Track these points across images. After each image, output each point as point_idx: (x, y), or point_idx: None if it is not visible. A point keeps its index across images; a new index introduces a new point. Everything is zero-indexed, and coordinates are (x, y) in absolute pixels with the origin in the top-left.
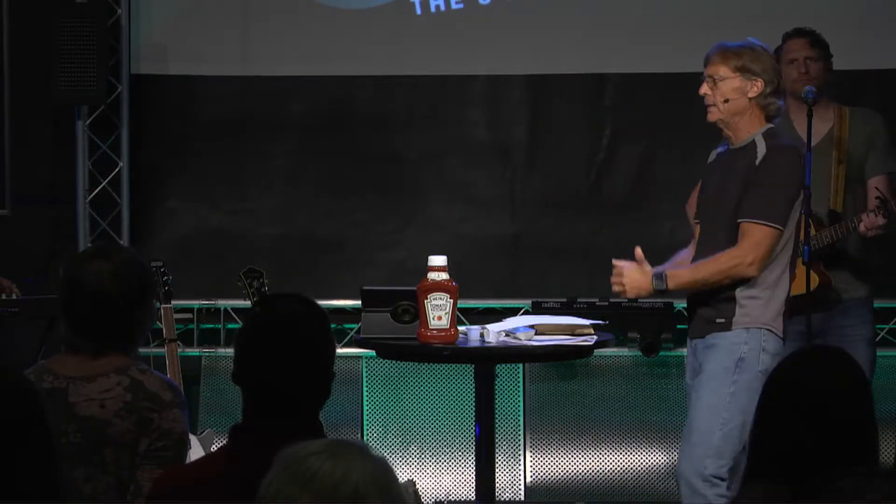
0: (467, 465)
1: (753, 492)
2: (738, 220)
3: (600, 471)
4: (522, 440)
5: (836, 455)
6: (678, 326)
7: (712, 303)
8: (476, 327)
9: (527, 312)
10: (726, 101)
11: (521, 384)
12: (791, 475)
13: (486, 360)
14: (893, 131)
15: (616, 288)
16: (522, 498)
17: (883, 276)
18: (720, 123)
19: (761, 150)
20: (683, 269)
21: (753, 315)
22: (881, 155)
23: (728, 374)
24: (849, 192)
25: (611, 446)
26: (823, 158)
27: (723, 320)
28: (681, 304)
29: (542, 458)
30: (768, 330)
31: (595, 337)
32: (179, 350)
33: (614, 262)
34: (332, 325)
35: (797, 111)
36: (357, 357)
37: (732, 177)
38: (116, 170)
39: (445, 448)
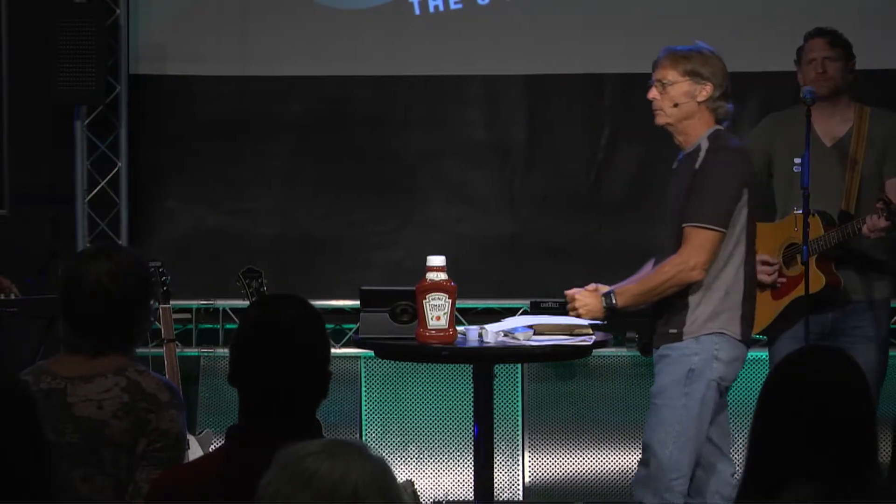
0: (466, 465)
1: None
2: (682, 225)
3: (599, 471)
4: (521, 440)
5: (833, 457)
6: None
7: (666, 312)
8: (474, 327)
9: (525, 312)
10: (675, 105)
11: (519, 384)
12: (790, 476)
13: (485, 360)
14: None
15: (572, 314)
16: (521, 498)
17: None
18: (669, 128)
19: (702, 154)
20: (631, 284)
21: (704, 322)
22: None
23: (679, 386)
24: (865, 193)
25: (609, 446)
26: (839, 159)
27: (675, 330)
28: None
29: (540, 459)
30: (721, 334)
31: (593, 337)
32: (178, 350)
33: (566, 292)
34: (331, 326)
35: (816, 111)
36: (355, 357)
37: (682, 183)
38: (115, 170)
39: (444, 448)
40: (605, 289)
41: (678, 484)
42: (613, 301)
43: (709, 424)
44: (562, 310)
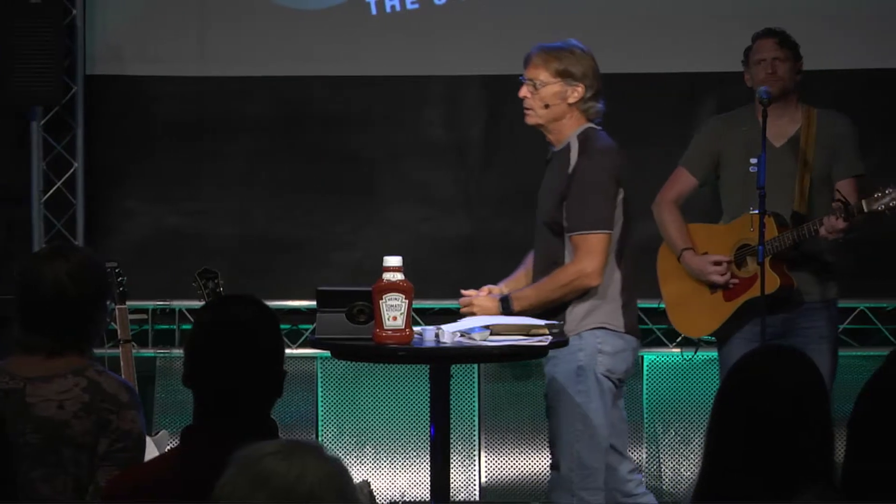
0: (422, 466)
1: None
2: (568, 235)
3: None
4: (477, 440)
5: (790, 457)
6: None
7: (547, 314)
8: (431, 328)
9: None
10: (546, 106)
11: (476, 384)
12: (749, 479)
13: (441, 361)
14: (860, 133)
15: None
16: (477, 498)
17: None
18: (540, 128)
19: (573, 157)
20: (528, 289)
21: (582, 318)
22: (848, 157)
23: (571, 384)
24: (815, 194)
25: None
26: (789, 159)
27: (556, 331)
28: (640, 304)
29: (496, 459)
30: (603, 329)
31: (550, 337)
32: (134, 351)
33: (462, 291)
34: (288, 326)
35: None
36: (312, 357)
37: (551, 183)
38: (71, 171)
39: (400, 448)
40: (497, 290)
41: (592, 481)
42: (511, 307)
43: (609, 417)
44: None
